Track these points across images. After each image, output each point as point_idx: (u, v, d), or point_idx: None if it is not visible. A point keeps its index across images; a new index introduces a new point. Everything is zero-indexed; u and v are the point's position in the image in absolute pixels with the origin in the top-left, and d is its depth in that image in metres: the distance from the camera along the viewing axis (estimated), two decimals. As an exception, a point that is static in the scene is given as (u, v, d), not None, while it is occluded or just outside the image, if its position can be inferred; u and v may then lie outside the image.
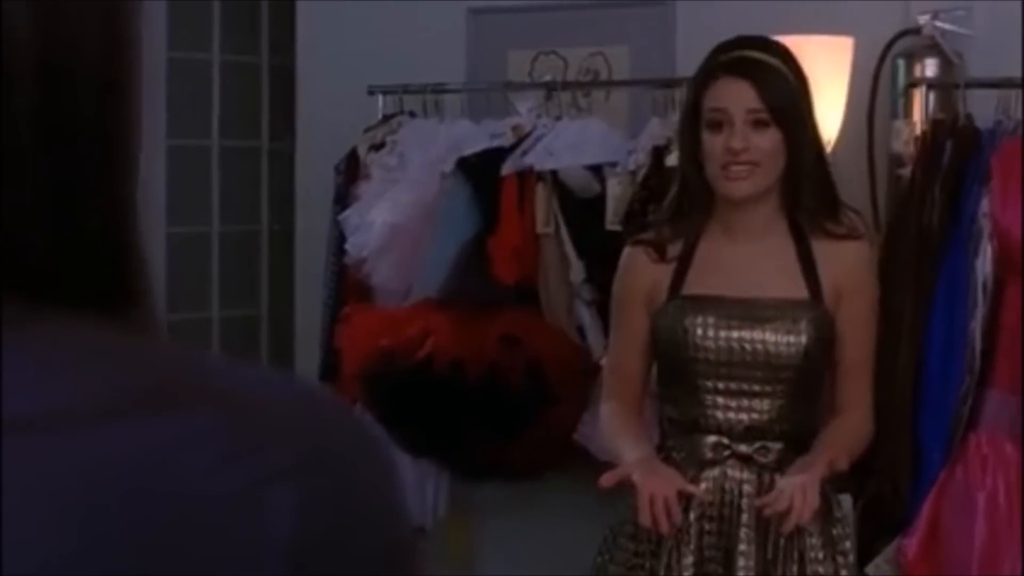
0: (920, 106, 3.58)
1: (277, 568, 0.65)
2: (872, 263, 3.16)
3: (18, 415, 0.64)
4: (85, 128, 0.69)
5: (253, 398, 0.68)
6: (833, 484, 3.00)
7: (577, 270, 3.91)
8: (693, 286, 3.06)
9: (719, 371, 2.99)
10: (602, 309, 3.59)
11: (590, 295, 3.88)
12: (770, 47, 3.04)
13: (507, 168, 3.98)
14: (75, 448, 0.64)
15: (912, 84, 3.67)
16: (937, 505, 3.25)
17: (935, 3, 3.72)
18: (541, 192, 3.95)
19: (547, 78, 4.24)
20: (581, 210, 3.90)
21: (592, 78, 4.34)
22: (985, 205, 3.23)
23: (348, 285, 4.26)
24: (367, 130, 4.29)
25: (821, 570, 2.95)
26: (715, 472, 2.99)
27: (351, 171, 4.29)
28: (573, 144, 3.94)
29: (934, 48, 3.69)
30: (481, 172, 4.01)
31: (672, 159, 3.59)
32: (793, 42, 3.13)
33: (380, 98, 4.34)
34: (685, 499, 2.90)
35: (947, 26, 3.68)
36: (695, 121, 3.04)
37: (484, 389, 3.86)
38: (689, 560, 2.94)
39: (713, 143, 2.99)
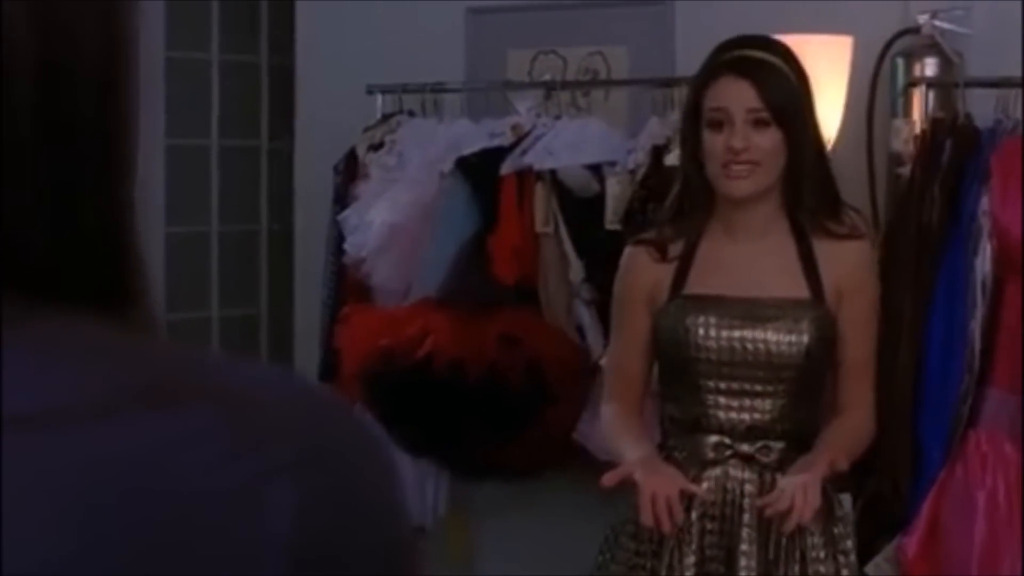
0: (919, 105, 3.58)
1: (277, 566, 0.65)
2: (873, 262, 3.17)
3: (18, 412, 0.64)
4: (84, 127, 0.69)
5: (253, 396, 0.68)
6: (833, 483, 3.00)
7: (576, 269, 3.91)
8: (694, 286, 3.06)
9: (721, 371, 2.99)
10: (602, 309, 3.59)
11: (589, 294, 3.88)
12: (771, 46, 3.04)
13: (506, 167, 3.98)
14: (75, 446, 0.64)
15: (911, 83, 3.67)
16: (937, 504, 3.25)
17: (934, 2, 3.71)
18: (540, 191, 3.94)
19: (546, 77, 4.23)
20: (580, 209, 3.89)
21: (591, 78, 4.34)
22: (985, 204, 3.23)
23: (347, 285, 4.25)
24: (366, 130, 4.29)
25: (822, 569, 2.95)
26: (717, 472, 2.99)
27: (350, 171, 4.29)
28: (572, 143, 3.93)
29: (933, 47, 3.69)
30: (480, 171, 4.00)
31: (671, 158, 3.59)
32: (793, 41, 3.13)
33: (379, 97, 4.34)
34: (687, 499, 2.90)
35: (946, 25, 3.68)
36: (696, 120, 3.04)
37: (484, 389, 3.86)
38: (691, 560, 2.94)
39: (714, 142, 2.99)
